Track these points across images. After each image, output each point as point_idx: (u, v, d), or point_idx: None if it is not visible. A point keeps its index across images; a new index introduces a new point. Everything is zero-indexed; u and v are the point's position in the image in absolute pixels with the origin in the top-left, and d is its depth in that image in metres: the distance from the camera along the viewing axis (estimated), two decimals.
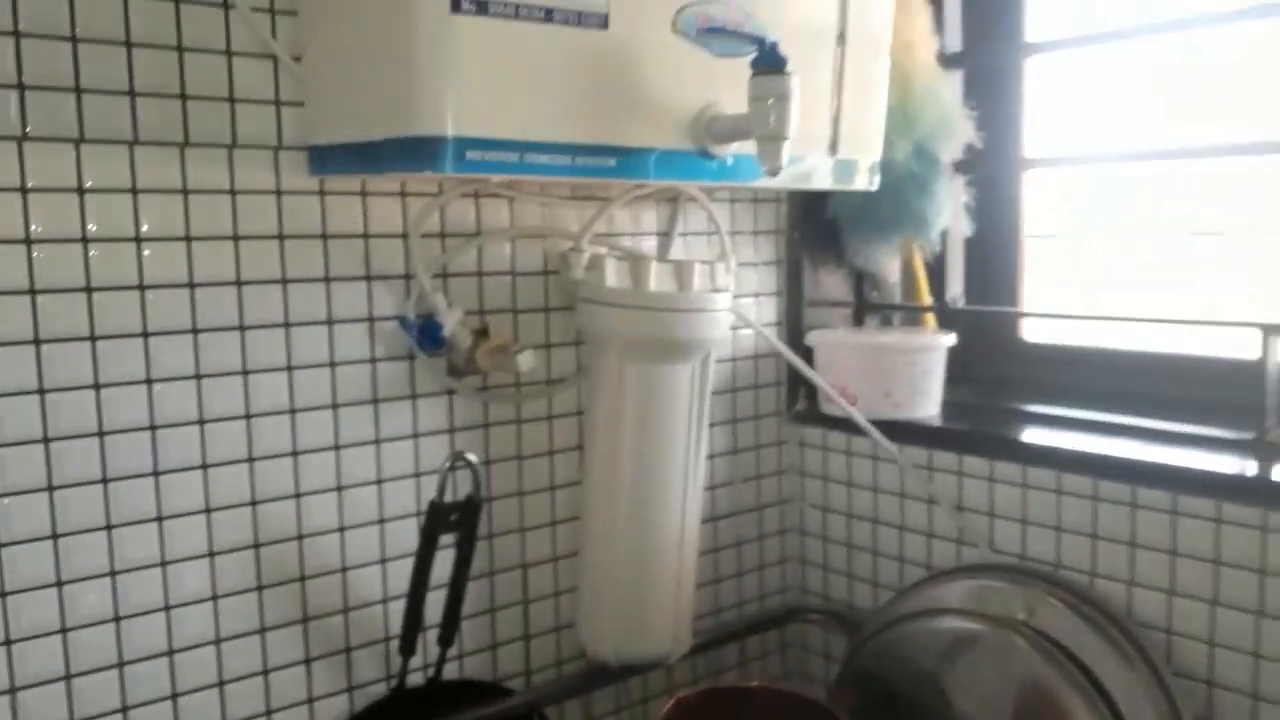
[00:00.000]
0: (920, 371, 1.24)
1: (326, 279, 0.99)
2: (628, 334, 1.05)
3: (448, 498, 1.00)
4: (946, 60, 1.30)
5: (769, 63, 0.85)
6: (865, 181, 1.08)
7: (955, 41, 1.33)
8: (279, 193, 0.95)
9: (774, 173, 0.86)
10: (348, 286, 1.00)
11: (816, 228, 1.36)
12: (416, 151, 0.78)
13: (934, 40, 1.25)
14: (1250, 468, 0.99)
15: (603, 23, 0.83)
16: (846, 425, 1.26)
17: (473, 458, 1.01)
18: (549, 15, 0.80)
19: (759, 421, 1.36)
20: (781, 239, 1.36)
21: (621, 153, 0.86)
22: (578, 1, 0.81)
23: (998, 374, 1.37)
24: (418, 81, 0.77)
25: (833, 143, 1.03)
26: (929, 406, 1.26)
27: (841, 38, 1.01)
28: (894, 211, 1.28)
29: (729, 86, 0.89)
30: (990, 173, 1.35)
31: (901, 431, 1.24)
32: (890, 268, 1.39)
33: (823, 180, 1.03)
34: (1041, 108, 1.34)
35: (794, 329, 1.37)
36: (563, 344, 1.15)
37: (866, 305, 1.43)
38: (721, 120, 0.90)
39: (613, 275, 1.07)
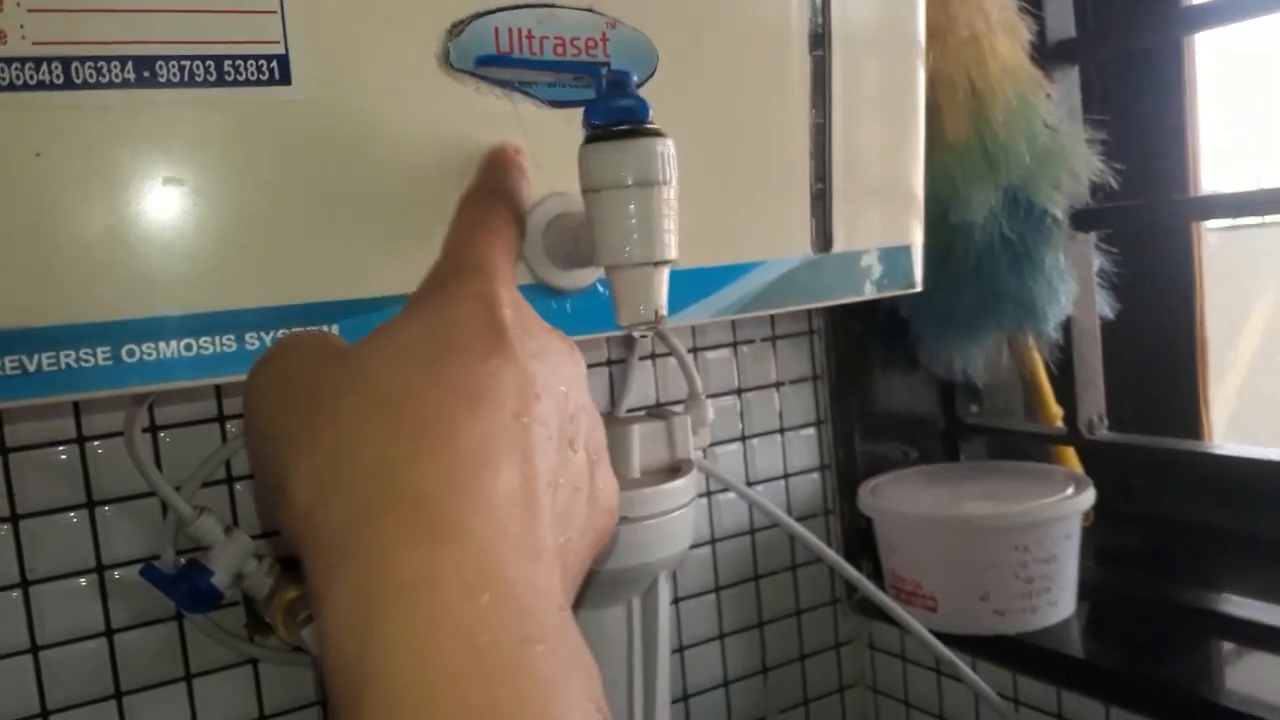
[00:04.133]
0: (1038, 559, 0.77)
1: (13, 517, 0.62)
2: None
3: None
4: (1051, 54, 0.83)
5: (614, 115, 0.42)
6: (897, 282, 0.63)
7: (1065, 23, 0.85)
8: None
9: (644, 322, 0.43)
10: (53, 523, 0.63)
11: (872, 320, 0.91)
12: None
13: (1023, 26, 0.78)
14: None
15: (278, 73, 0.42)
16: None
17: None
18: (144, 74, 0.40)
19: (803, 619, 0.92)
20: (818, 341, 0.92)
21: (352, 312, 0.45)
22: (207, 35, 0.41)
23: (1171, 535, 0.87)
24: None
25: (821, 231, 0.58)
26: (1056, 611, 0.78)
27: (819, 40, 0.57)
28: (982, 296, 0.82)
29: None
30: (1140, 223, 0.86)
31: (1012, 656, 0.77)
32: (989, 370, 0.92)
33: (804, 296, 0.58)
34: (1221, 113, 0.84)
35: (847, 477, 0.91)
36: None
37: (961, 428, 0.96)
38: (563, 223, 0.48)
39: None
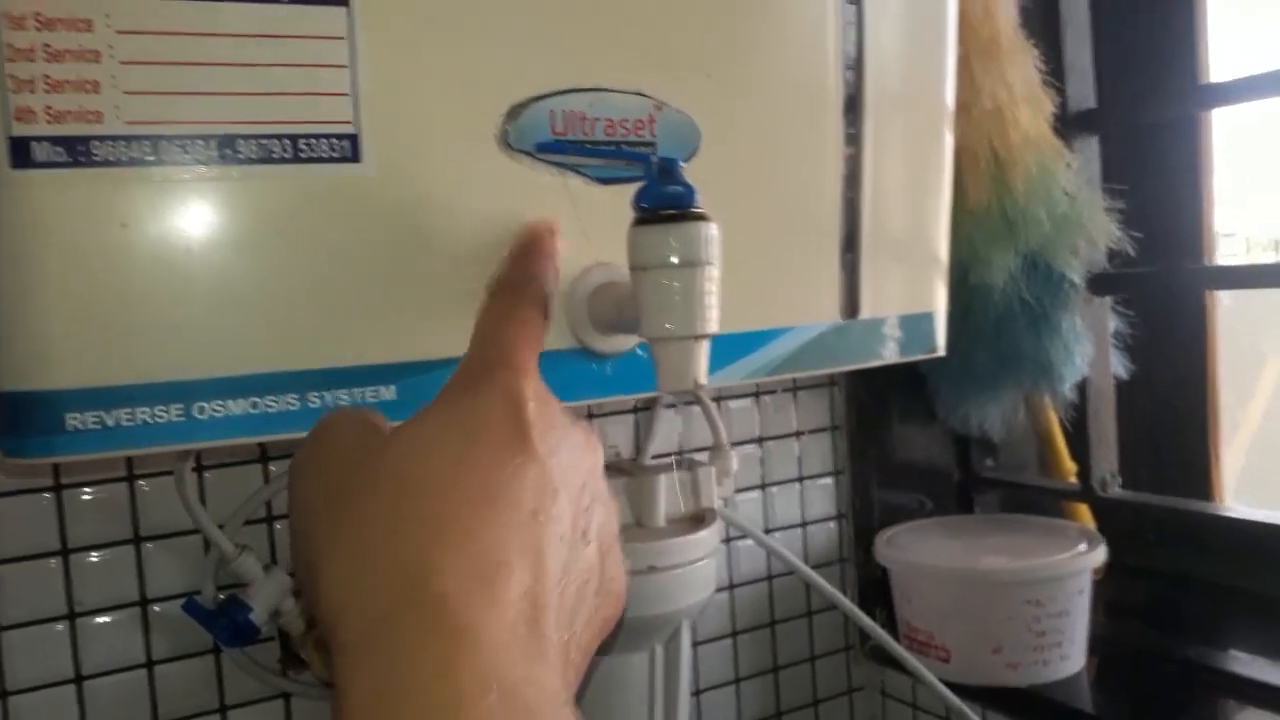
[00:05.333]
0: (1050, 613, 0.79)
1: (64, 551, 0.65)
2: None
3: None
4: (1072, 124, 0.85)
5: (662, 200, 0.45)
6: (920, 347, 0.65)
7: (1085, 94, 0.88)
8: None
9: (683, 389, 0.46)
10: (101, 557, 0.66)
11: (892, 374, 0.93)
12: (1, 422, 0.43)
13: (1046, 98, 0.81)
14: None
15: (349, 152, 0.45)
16: None
17: None
18: (226, 152, 0.43)
19: (816, 665, 0.93)
20: (838, 392, 0.94)
21: (410, 374, 0.48)
22: (284, 115, 0.44)
23: (1180, 592, 0.89)
24: None
25: (849, 298, 0.61)
26: (1066, 665, 0.80)
27: (853, 107, 0.59)
28: (1000, 357, 0.84)
29: (625, 230, 0.48)
30: (1155, 289, 0.88)
31: (1023, 708, 0.79)
32: (1005, 426, 0.94)
33: (829, 360, 0.61)
34: (1234, 184, 0.87)
35: (863, 526, 0.93)
36: None
37: (976, 481, 0.98)
38: (608, 292, 0.51)
39: None
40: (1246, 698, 0.77)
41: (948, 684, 0.80)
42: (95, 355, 0.42)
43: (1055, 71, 0.83)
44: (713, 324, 0.45)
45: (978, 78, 0.76)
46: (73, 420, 0.42)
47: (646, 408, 0.85)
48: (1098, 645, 0.83)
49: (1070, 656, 0.80)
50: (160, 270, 0.43)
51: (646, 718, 0.69)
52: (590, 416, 0.82)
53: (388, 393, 0.47)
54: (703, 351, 0.46)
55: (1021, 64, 0.78)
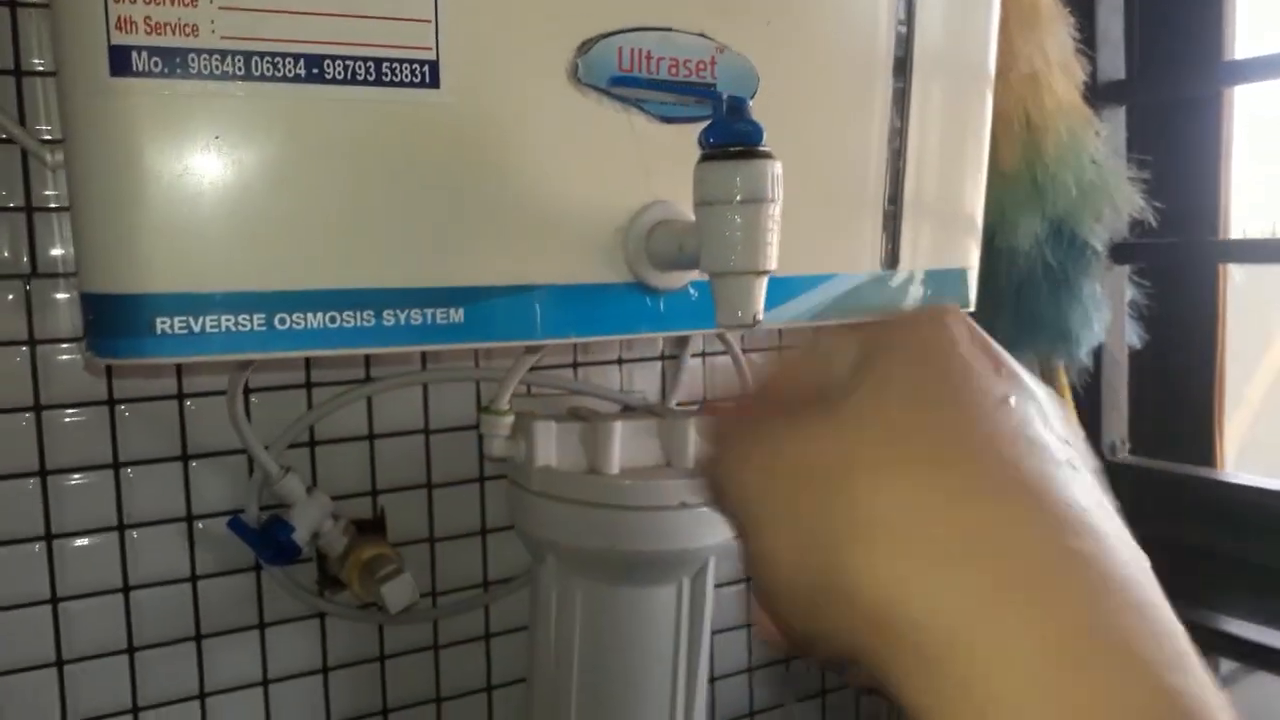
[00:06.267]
0: None
1: (115, 465, 0.67)
2: (571, 543, 0.68)
3: None
4: (1101, 94, 0.87)
5: (730, 137, 0.47)
6: (953, 302, 0.68)
7: (1115, 65, 0.90)
8: (33, 342, 0.64)
9: (742, 325, 0.48)
10: (150, 472, 0.68)
11: None
12: (90, 324, 0.45)
13: (1079, 66, 0.82)
14: None
15: (429, 77, 0.47)
16: None
17: None
18: (314, 71, 0.45)
19: None
20: None
21: (476, 298, 0.50)
22: (370, 38, 0.45)
23: (1180, 557, 0.92)
24: (85, 209, 0.44)
25: (889, 250, 0.63)
26: None
27: (902, 66, 0.61)
28: (1020, 320, 0.86)
29: (686, 168, 0.50)
30: (1172, 260, 0.91)
31: None
32: None
33: (867, 309, 0.63)
34: (1254, 161, 0.89)
35: None
36: (504, 528, 0.80)
37: None
38: (667, 229, 0.53)
39: (549, 447, 0.70)
40: (1243, 658, 0.80)
41: None
42: (184, 262, 0.44)
43: (1087, 41, 0.84)
44: (773, 261, 0.47)
45: (1016, 43, 0.77)
46: (161, 323, 0.44)
47: (673, 356, 0.87)
48: None
49: None
50: (247, 184, 0.45)
51: (672, 647, 0.72)
52: (620, 362, 0.84)
53: (456, 315, 0.49)
54: (762, 288, 0.48)
55: (1058, 32, 0.80)
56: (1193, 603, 0.87)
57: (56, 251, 0.64)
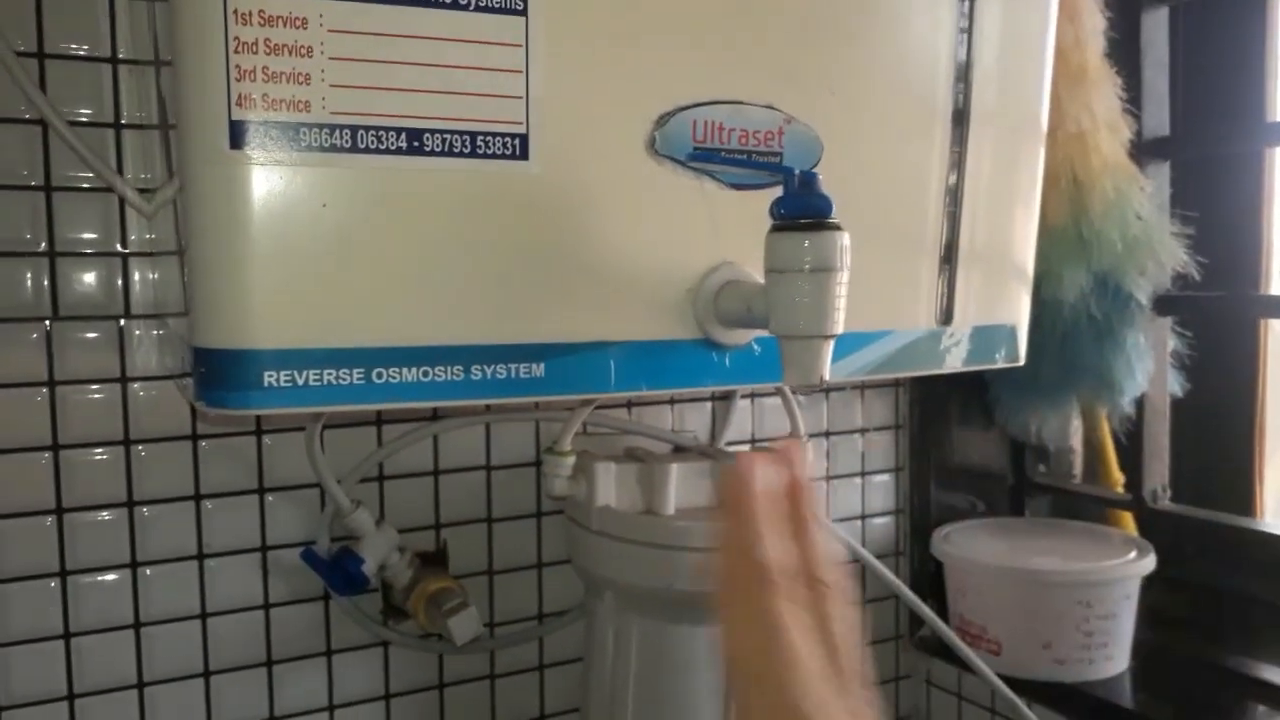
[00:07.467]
0: (1099, 615, 0.83)
1: (196, 496, 0.70)
2: (629, 581, 0.71)
3: None
4: (1146, 149, 0.89)
5: (800, 209, 0.50)
6: (999, 356, 0.70)
7: (1160, 122, 0.92)
8: (125, 379, 0.68)
9: (809, 385, 0.51)
10: (228, 504, 0.71)
11: (956, 379, 0.97)
12: (201, 376, 0.48)
13: (1125, 124, 0.85)
14: None
15: (519, 150, 0.50)
16: None
17: None
18: (414, 144, 0.48)
19: (867, 650, 0.98)
20: (903, 393, 0.98)
21: (557, 354, 0.53)
22: (466, 114, 0.49)
23: (1218, 603, 0.93)
24: (200, 269, 0.47)
25: (944, 305, 0.66)
26: (1111, 665, 0.85)
27: (959, 123, 0.64)
28: (1064, 369, 0.88)
29: (753, 232, 0.53)
30: (1214, 313, 0.92)
31: (1068, 702, 0.84)
32: (1063, 435, 0.98)
33: (918, 363, 0.65)
34: None
35: (919, 522, 0.98)
36: (561, 562, 0.82)
37: (1028, 485, 1.03)
38: (735, 289, 0.55)
39: (609, 488, 0.72)
40: (1277, 705, 0.81)
41: (998, 675, 0.84)
42: (292, 321, 0.47)
43: (1133, 99, 0.87)
44: (839, 326, 0.50)
45: (1064, 102, 0.80)
46: (269, 377, 0.47)
47: (723, 398, 0.90)
48: (1138, 649, 0.87)
49: (1115, 657, 0.84)
50: (352, 247, 0.48)
51: (725, 684, 0.74)
52: (672, 403, 0.86)
53: (537, 370, 0.52)
54: (828, 350, 0.50)
55: (1105, 92, 0.82)
56: (1230, 650, 0.88)
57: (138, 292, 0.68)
